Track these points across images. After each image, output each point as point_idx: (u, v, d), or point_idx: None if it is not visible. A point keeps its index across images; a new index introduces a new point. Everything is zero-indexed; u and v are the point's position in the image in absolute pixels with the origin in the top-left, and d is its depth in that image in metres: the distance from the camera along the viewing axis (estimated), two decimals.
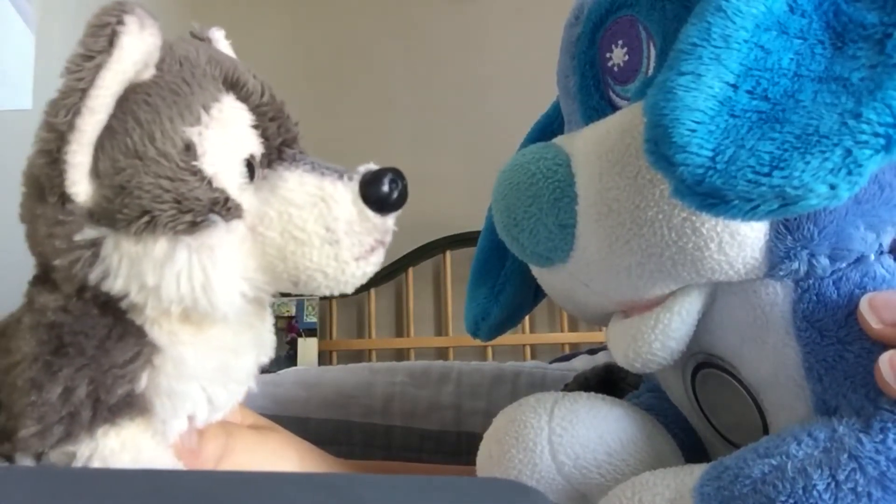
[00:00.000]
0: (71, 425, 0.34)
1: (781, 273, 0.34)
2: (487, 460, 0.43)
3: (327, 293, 0.39)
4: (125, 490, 0.28)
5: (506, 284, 0.52)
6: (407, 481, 0.31)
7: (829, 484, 0.30)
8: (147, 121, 0.34)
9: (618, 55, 0.39)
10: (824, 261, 0.33)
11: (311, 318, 1.88)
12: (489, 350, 1.73)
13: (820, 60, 0.28)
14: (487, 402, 0.69)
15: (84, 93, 0.32)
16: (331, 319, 1.90)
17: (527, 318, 1.29)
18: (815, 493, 0.30)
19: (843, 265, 0.34)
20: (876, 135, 0.25)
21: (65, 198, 0.34)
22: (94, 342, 0.35)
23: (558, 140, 0.42)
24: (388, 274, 1.81)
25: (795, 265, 0.33)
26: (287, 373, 0.73)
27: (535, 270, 0.43)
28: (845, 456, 0.30)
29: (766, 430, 0.38)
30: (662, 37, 0.37)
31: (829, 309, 0.33)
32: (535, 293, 0.51)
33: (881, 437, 0.30)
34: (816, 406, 0.34)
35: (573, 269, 0.39)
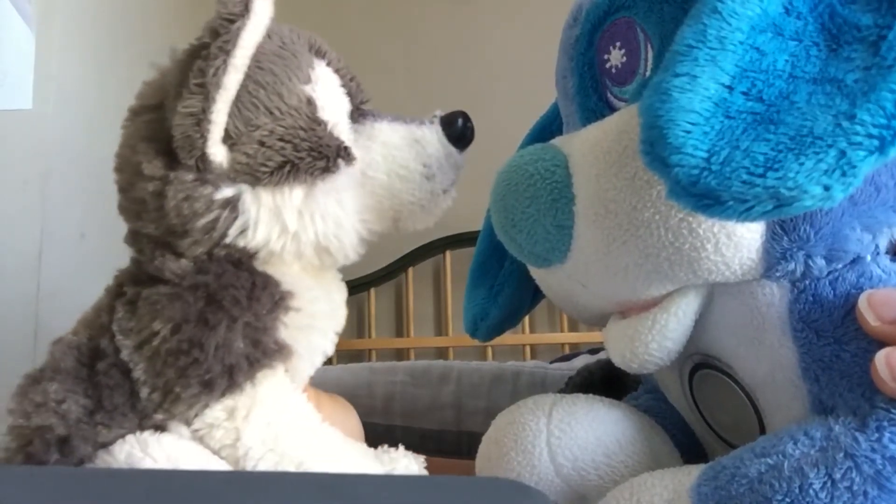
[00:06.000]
0: (234, 375, 0.36)
1: (778, 274, 0.34)
2: (486, 462, 0.43)
3: (419, 227, 0.44)
4: (125, 490, 0.28)
5: (504, 285, 0.52)
6: (407, 481, 0.31)
7: (825, 483, 0.30)
8: (268, 82, 0.38)
9: (616, 57, 0.40)
10: (820, 262, 0.33)
11: None
12: (489, 350, 1.73)
13: (815, 62, 0.28)
14: (487, 401, 0.69)
15: (229, 53, 0.35)
16: None
17: (526, 318, 1.29)
18: (811, 491, 0.30)
19: (840, 266, 0.34)
20: (870, 136, 0.25)
21: (203, 159, 0.37)
22: (244, 293, 0.37)
23: (556, 141, 0.42)
24: (388, 274, 1.80)
25: (792, 266, 0.33)
26: None
27: (534, 271, 0.43)
28: (841, 455, 0.30)
29: (763, 431, 0.38)
30: (660, 38, 0.37)
31: (825, 309, 0.33)
32: (534, 294, 0.51)
33: (877, 435, 0.30)
34: (813, 406, 0.34)
35: (571, 269, 0.39)
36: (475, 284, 0.53)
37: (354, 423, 0.49)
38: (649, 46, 0.38)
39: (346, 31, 1.98)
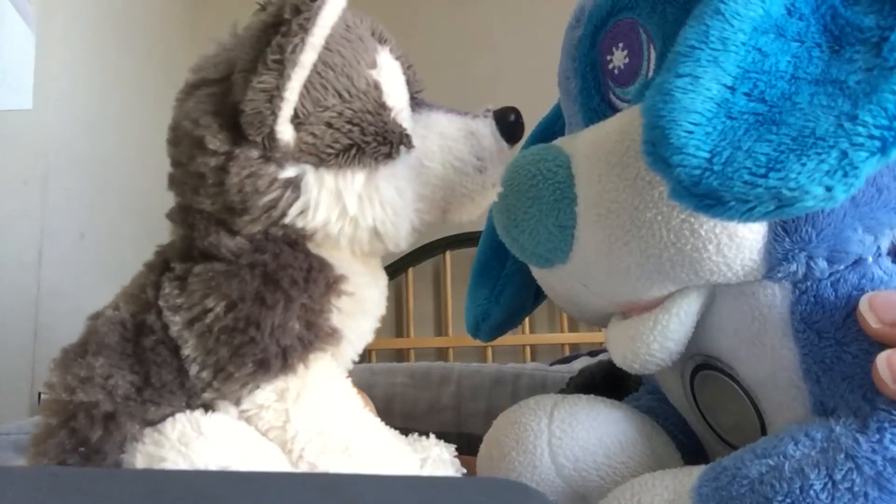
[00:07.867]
0: (288, 356, 0.36)
1: (779, 275, 0.34)
2: (487, 462, 0.43)
3: (463, 219, 0.43)
4: (125, 490, 0.28)
5: (506, 285, 0.52)
6: (407, 481, 0.31)
7: (825, 484, 0.30)
8: (337, 64, 0.37)
9: (618, 57, 0.40)
10: (822, 263, 0.33)
11: None
12: (489, 350, 1.73)
13: (817, 63, 0.28)
14: (488, 403, 0.69)
15: (308, 31, 0.35)
16: None
17: (527, 318, 1.29)
18: (811, 492, 0.30)
19: (841, 267, 0.34)
20: (872, 137, 0.25)
21: (271, 137, 0.36)
22: (302, 274, 0.37)
23: (559, 141, 0.42)
24: (388, 274, 1.80)
25: (793, 267, 0.33)
26: None
27: (535, 271, 0.43)
28: (842, 456, 0.30)
29: (764, 432, 0.38)
30: (663, 39, 0.37)
31: (826, 310, 0.33)
32: (536, 294, 0.51)
33: (878, 437, 0.30)
34: (814, 407, 0.34)
35: (572, 269, 0.39)
36: (477, 284, 0.53)
37: (374, 415, 0.49)
38: (652, 47, 0.38)
39: None
